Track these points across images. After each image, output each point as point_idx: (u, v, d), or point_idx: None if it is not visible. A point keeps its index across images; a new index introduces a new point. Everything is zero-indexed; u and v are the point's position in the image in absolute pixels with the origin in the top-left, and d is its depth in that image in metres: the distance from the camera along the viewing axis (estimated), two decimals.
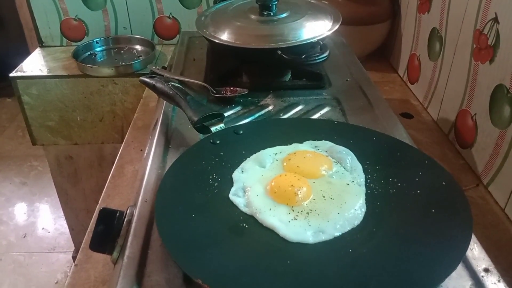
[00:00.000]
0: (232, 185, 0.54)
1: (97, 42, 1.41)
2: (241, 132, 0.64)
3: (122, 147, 0.97)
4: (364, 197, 0.51)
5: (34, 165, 2.31)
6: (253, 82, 0.84)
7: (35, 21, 1.42)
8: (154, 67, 0.93)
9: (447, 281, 0.42)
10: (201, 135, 0.63)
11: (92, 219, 0.76)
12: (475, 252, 0.47)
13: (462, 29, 0.88)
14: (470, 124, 0.85)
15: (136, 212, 0.52)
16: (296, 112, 0.74)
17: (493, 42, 0.77)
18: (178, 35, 1.45)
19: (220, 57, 0.93)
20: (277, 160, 0.58)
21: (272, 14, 0.83)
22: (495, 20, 0.76)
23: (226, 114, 0.69)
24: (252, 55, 0.80)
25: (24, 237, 1.92)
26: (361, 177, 0.55)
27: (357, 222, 0.48)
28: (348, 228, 0.47)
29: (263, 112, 0.74)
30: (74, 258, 1.56)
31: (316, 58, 0.77)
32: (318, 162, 0.56)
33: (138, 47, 1.43)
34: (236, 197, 0.52)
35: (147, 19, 1.42)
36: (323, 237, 0.46)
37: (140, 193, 0.55)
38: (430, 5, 1.03)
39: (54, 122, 1.35)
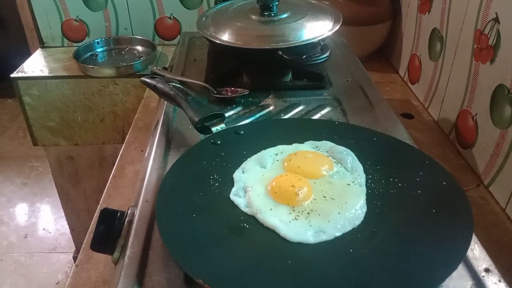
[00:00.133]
0: (233, 185, 0.54)
1: (98, 43, 1.41)
2: (242, 132, 0.64)
3: (123, 147, 0.97)
4: (365, 197, 0.51)
5: (35, 165, 2.31)
6: (254, 83, 0.84)
7: (36, 21, 1.42)
8: (155, 67, 0.93)
9: (447, 281, 0.42)
10: (202, 135, 0.63)
11: (93, 219, 0.76)
12: (476, 252, 0.47)
13: (463, 29, 0.88)
14: (470, 124, 0.85)
15: (137, 212, 0.52)
16: (297, 113, 0.74)
17: (493, 42, 0.77)
18: (179, 36, 1.45)
19: (220, 58, 0.93)
20: (277, 160, 0.58)
21: (272, 14, 0.83)
22: (496, 20, 0.76)
23: (227, 115, 0.69)
24: (253, 55, 0.81)
25: (25, 237, 1.93)
26: (361, 177, 0.55)
27: (357, 222, 0.48)
28: (348, 228, 0.47)
29: (264, 112, 0.75)
30: (75, 258, 1.56)
31: (317, 58, 0.77)
32: (319, 162, 0.56)
33: (139, 47, 1.43)
34: (237, 197, 0.52)
35: (148, 19, 1.42)
36: (323, 237, 0.46)
37: (141, 193, 0.55)
38: (431, 5, 1.03)
39: (55, 122, 1.35)
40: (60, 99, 1.31)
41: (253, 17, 0.84)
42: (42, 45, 1.47)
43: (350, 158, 0.57)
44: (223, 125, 0.63)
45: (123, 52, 1.41)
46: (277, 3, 0.83)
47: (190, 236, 0.46)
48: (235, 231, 0.48)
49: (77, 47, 1.36)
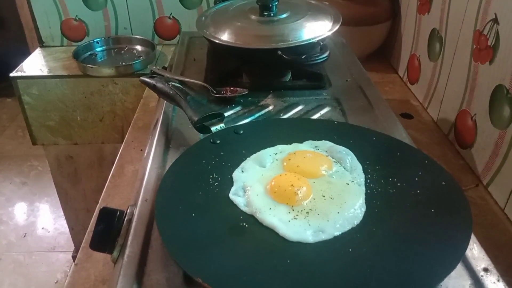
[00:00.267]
0: (232, 185, 0.54)
1: (97, 42, 1.41)
2: (241, 132, 0.64)
3: (122, 147, 0.97)
4: (364, 196, 0.52)
5: (34, 165, 2.31)
6: (253, 82, 0.84)
7: (36, 21, 1.42)
8: (154, 67, 0.93)
9: (446, 280, 0.42)
10: (201, 135, 0.63)
11: (92, 218, 0.76)
12: (475, 252, 0.47)
13: (462, 29, 0.88)
14: (470, 125, 0.85)
15: (136, 212, 0.52)
16: (296, 112, 0.74)
17: (493, 43, 0.77)
18: (178, 35, 1.45)
19: (220, 57, 0.93)
20: (277, 159, 0.58)
21: (272, 14, 0.83)
22: (495, 20, 0.76)
23: (226, 114, 0.69)
24: (253, 55, 0.81)
25: (24, 236, 1.92)
26: (361, 177, 0.55)
27: (356, 221, 0.48)
28: (347, 227, 0.47)
29: (263, 112, 0.75)
30: (74, 257, 1.56)
31: (316, 58, 0.77)
32: (318, 162, 0.56)
33: (139, 47, 1.43)
34: (236, 196, 0.52)
35: (147, 19, 1.42)
36: (323, 237, 0.46)
37: (140, 192, 0.55)
38: (430, 5, 1.03)
39: (54, 122, 1.35)
40: (60, 98, 1.31)
41: (253, 17, 0.84)
42: (42, 44, 1.46)
43: (349, 157, 0.57)
44: (222, 125, 0.63)
45: (122, 52, 1.41)
46: (276, 3, 0.83)
47: (189, 235, 0.46)
48: (234, 230, 0.48)
49: (76, 47, 1.36)
